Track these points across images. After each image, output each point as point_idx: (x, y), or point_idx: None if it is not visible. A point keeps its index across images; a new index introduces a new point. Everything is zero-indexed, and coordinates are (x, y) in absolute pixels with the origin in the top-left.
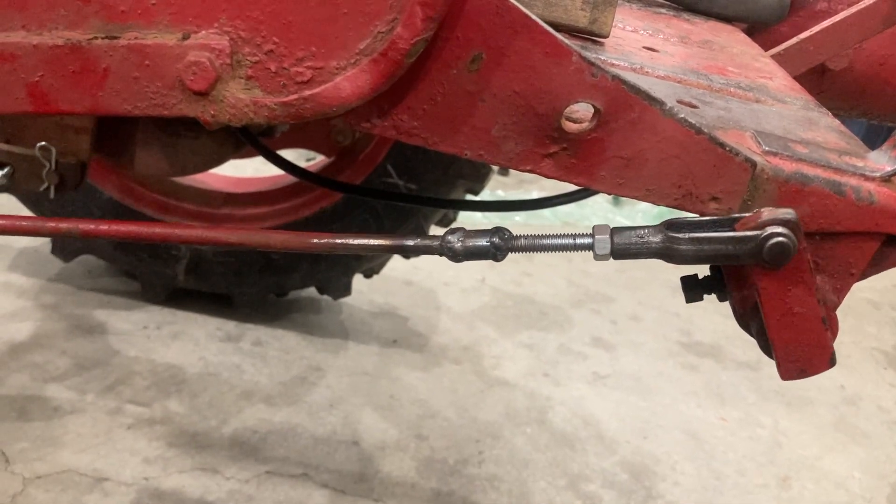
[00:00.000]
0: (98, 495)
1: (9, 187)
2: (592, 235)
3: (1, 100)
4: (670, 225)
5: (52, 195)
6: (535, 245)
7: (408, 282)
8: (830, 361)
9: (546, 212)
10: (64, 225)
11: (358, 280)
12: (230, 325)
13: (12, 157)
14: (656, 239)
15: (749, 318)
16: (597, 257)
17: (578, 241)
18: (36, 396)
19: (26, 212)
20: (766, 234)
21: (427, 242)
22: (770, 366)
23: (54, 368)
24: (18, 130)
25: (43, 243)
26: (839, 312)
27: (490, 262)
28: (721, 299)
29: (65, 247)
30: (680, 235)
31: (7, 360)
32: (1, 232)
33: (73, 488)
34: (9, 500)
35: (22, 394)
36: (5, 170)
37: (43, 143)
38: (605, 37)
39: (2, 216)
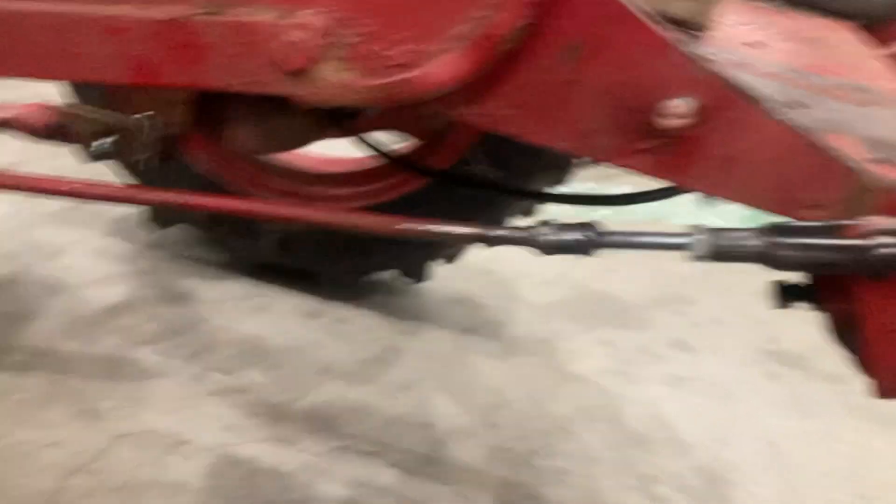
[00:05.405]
0: (178, 457)
1: (113, 154)
2: (689, 235)
3: (107, 70)
4: (772, 229)
5: (144, 165)
6: (628, 242)
7: (487, 270)
8: None
9: (634, 208)
10: (165, 196)
11: (437, 265)
12: (314, 302)
13: (117, 125)
14: (756, 242)
15: (845, 331)
16: (693, 258)
17: (674, 240)
18: (125, 358)
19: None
20: (875, 243)
21: (515, 233)
22: (859, 381)
23: (144, 332)
24: (120, 100)
25: (140, 210)
26: None
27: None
28: (812, 309)
29: (161, 215)
30: (781, 240)
31: (101, 320)
32: (102, 199)
33: (155, 448)
34: (95, 454)
35: (113, 354)
36: (114, 137)
37: (144, 113)
38: (707, 30)
39: (105, 184)
